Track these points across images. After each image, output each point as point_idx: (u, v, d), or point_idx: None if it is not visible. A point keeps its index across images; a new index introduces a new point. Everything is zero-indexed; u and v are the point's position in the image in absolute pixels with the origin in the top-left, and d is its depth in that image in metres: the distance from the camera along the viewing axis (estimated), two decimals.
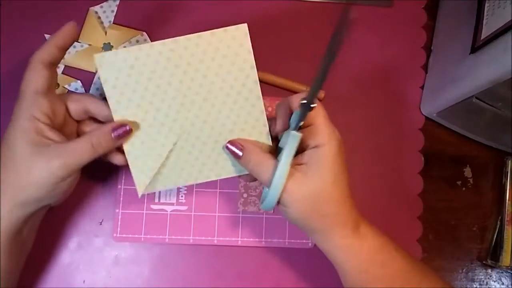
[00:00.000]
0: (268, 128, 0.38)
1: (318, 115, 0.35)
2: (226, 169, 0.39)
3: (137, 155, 0.37)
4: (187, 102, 0.37)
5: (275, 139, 0.38)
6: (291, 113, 0.35)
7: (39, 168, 0.33)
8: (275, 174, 0.33)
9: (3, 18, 0.49)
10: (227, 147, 0.37)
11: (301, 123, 0.34)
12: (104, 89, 0.36)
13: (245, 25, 0.35)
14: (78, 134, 0.39)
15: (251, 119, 0.37)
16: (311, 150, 0.34)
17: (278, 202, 0.35)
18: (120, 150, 0.38)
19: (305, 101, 0.32)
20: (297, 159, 0.35)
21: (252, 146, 0.36)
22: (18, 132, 0.34)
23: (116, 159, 0.39)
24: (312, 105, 0.32)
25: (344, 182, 0.35)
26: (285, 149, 0.33)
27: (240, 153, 0.36)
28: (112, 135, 0.36)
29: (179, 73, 0.36)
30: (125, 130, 0.36)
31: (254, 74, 0.36)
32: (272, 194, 0.34)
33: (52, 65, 0.36)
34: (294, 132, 0.33)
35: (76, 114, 0.38)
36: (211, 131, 0.38)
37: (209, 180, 0.39)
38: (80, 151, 0.35)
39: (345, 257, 0.35)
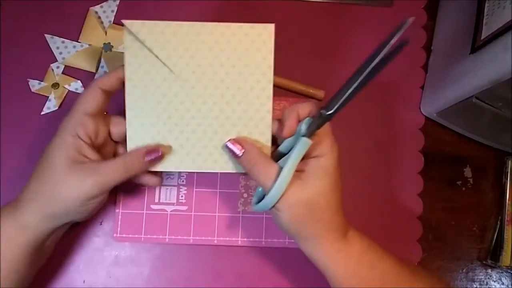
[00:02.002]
0: (271, 130, 0.38)
1: (324, 127, 0.35)
2: (228, 164, 0.39)
3: (138, 119, 0.37)
4: (199, 87, 0.37)
5: (275, 142, 0.38)
6: (299, 120, 0.36)
7: (73, 184, 0.34)
8: (279, 178, 0.33)
9: (3, 18, 0.49)
10: (226, 146, 0.37)
11: (312, 130, 0.34)
12: (125, 54, 0.36)
13: (273, 25, 0.36)
14: (115, 155, 0.40)
15: (256, 117, 0.38)
16: (312, 158, 0.35)
17: (273, 206, 0.35)
18: (150, 172, 0.39)
19: (330, 112, 0.34)
20: (298, 166, 0.35)
21: (252, 147, 0.36)
22: (59, 146, 0.35)
23: (151, 181, 0.40)
24: (331, 116, 0.34)
25: (339, 193, 0.36)
26: (292, 154, 0.34)
27: (239, 153, 0.36)
28: (145, 159, 0.36)
29: (199, 57, 0.36)
30: (158, 156, 0.37)
31: (270, 74, 0.37)
32: (272, 197, 0.34)
33: (109, 93, 0.37)
34: (305, 139, 0.34)
35: (117, 136, 0.39)
36: (214, 121, 0.38)
37: (210, 171, 0.39)
38: (113, 171, 0.35)
39: (336, 262, 0.36)
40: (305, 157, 0.35)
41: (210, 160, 0.38)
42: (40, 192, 0.35)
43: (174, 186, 0.47)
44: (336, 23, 0.52)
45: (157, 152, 0.37)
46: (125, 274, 0.45)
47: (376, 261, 0.36)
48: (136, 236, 0.45)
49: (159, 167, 0.38)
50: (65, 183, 0.34)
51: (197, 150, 0.38)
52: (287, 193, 0.34)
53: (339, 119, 0.50)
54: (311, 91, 0.49)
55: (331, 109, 0.34)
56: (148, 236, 0.45)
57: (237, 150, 0.36)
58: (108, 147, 0.39)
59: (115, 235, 0.45)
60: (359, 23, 0.52)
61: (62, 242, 0.45)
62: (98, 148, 0.37)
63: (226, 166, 0.38)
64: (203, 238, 0.46)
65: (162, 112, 0.37)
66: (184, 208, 0.46)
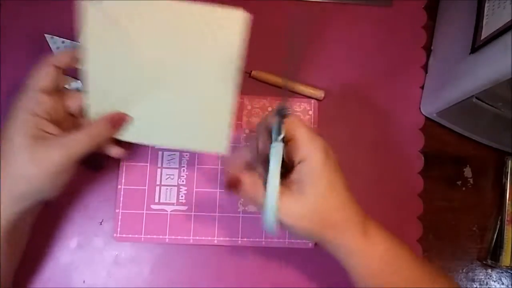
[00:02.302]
0: (232, 116, 0.37)
1: (297, 128, 0.34)
2: (189, 141, 0.39)
3: (96, 90, 0.37)
4: (162, 64, 0.36)
5: (265, 161, 0.36)
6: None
7: (39, 160, 0.34)
8: (267, 192, 0.32)
9: (3, 18, 0.49)
10: (225, 188, 0.36)
11: (281, 135, 0.33)
12: (83, 24, 0.35)
13: (245, 14, 0.34)
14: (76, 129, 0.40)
15: (219, 101, 0.37)
16: (298, 166, 0.34)
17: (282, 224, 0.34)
18: (117, 142, 0.39)
19: (278, 110, 0.32)
20: (289, 178, 0.34)
21: (239, 176, 0.35)
22: (18, 125, 0.35)
23: (113, 152, 0.40)
24: (285, 113, 0.32)
25: (340, 186, 0.34)
26: (270, 164, 0.33)
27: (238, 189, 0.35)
28: (110, 124, 0.37)
29: (163, 33, 0.35)
30: (122, 120, 0.37)
31: (237, 61, 0.36)
32: (269, 213, 0.33)
33: (63, 70, 0.37)
34: (274, 144, 0.33)
35: (74, 110, 0.38)
36: (175, 97, 0.37)
37: (170, 147, 0.39)
38: (78, 142, 0.35)
39: (357, 262, 0.35)
40: (293, 165, 0.34)
41: (170, 136, 0.39)
42: (6, 174, 0.34)
43: (174, 186, 0.47)
44: (336, 23, 0.52)
45: (120, 117, 0.37)
46: (125, 274, 0.45)
47: (399, 268, 0.35)
48: (136, 236, 0.45)
49: (122, 136, 0.38)
50: (31, 161, 0.34)
51: (157, 125, 0.38)
52: (287, 209, 0.33)
53: (339, 118, 0.50)
54: (311, 91, 0.49)
55: (279, 106, 0.32)
56: (148, 236, 0.45)
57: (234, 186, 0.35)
58: (68, 122, 0.39)
59: (115, 235, 0.45)
60: (359, 23, 0.52)
61: (62, 242, 0.45)
62: (58, 123, 0.37)
63: (187, 143, 0.39)
64: (203, 238, 0.46)
65: (121, 85, 0.37)
66: (184, 208, 0.46)
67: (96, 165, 0.46)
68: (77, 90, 0.48)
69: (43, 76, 0.36)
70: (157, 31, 0.35)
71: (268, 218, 0.33)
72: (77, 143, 0.35)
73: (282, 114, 0.32)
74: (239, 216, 0.46)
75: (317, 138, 0.34)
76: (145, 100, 0.38)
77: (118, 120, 0.37)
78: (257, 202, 0.34)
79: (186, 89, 0.37)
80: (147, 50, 0.36)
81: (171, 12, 0.35)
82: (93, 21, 0.35)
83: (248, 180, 0.34)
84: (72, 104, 0.38)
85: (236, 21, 0.35)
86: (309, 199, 0.33)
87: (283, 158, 0.33)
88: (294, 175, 0.34)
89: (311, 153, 0.33)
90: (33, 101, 0.35)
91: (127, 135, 0.39)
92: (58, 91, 0.37)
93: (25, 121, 0.35)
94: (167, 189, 0.47)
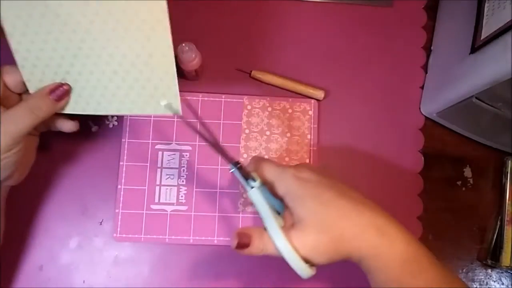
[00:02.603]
0: (173, 69, 0.36)
1: (263, 170, 0.35)
2: (135, 105, 0.37)
3: (29, 61, 0.35)
4: (92, 30, 0.34)
5: None
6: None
7: None
8: (276, 243, 0.32)
9: None
10: (236, 248, 0.33)
11: (255, 182, 0.33)
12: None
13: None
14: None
15: (159, 61, 0.35)
16: (284, 201, 0.34)
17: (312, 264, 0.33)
18: (68, 116, 0.38)
19: (233, 165, 0.34)
20: (289, 220, 0.34)
21: (244, 234, 0.33)
22: None
23: (66, 126, 0.39)
24: (238, 165, 0.34)
25: (329, 198, 0.33)
26: (258, 211, 0.33)
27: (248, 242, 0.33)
28: (51, 96, 0.35)
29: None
30: (64, 90, 0.36)
31: (166, 21, 0.34)
32: (292, 260, 0.32)
33: None
34: (248, 194, 0.34)
35: (14, 86, 0.37)
36: (112, 62, 0.36)
37: (117, 114, 0.38)
38: (19, 117, 0.34)
39: (376, 266, 0.33)
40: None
41: (115, 102, 0.37)
42: None
43: (174, 186, 0.47)
44: (336, 23, 0.52)
45: (61, 88, 0.35)
46: (125, 274, 0.45)
47: (419, 272, 0.33)
48: (136, 236, 0.45)
49: (68, 109, 0.37)
50: None
51: (99, 92, 0.37)
52: (301, 243, 0.32)
53: (339, 119, 0.50)
54: (311, 91, 0.49)
55: (233, 162, 0.34)
56: (148, 236, 0.45)
57: (245, 241, 0.33)
58: (12, 100, 0.37)
59: (115, 235, 0.45)
60: (359, 23, 0.52)
61: (62, 242, 0.45)
62: (3, 103, 0.35)
63: (133, 107, 0.37)
64: (203, 238, 0.46)
65: (53, 54, 0.35)
66: (184, 208, 0.46)
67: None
68: None
69: None
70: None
71: (295, 264, 0.32)
72: (17, 119, 0.34)
73: (237, 167, 0.34)
74: (239, 216, 0.46)
75: (284, 170, 0.34)
76: (83, 68, 0.36)
77: (58, 92, 0.36)
78: (271, 252, 0.33)
79: (120, 48, 0.35)
80: (70, 13, 0.34)
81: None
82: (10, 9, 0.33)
83: (256, 235, 0.33)
84: (8, 80, 0.36)
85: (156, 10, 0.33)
86: (307, 230, 0.32)
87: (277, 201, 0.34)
88: (286, 212, 0.34)
89: (284, 188, 0.33)
90: None
91: (72, 107, 0.37)
92: None
93: None
94: (167, 189, 0.47)
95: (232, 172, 0.34)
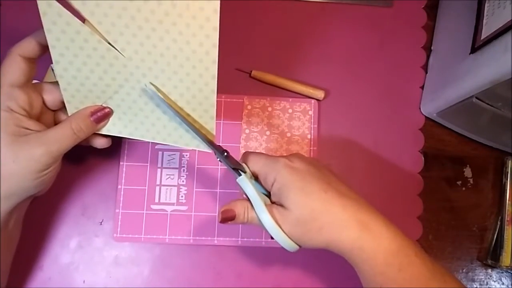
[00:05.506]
0: (215, 108, 0.37)
1: (255, 162, 0.36)
2: (171, 137, 0.38)
3: (72, 85, 0.36)
4: (136, 59, 0.34)
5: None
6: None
7: (22, 157, 0.33)
8: (262, 219, 0.34)
9: (3, 18, 0.49)
10: (221, 221, 0.36)
11: (245, 172, 0.35)
12: (43, 22, 0.33)
13: (217, 1, 0.32)
14: (56, 123, 0.39)
15: (200, 95, 0.36)
16: (272, 189, 0.35)
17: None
18: (101, 134, 0.39)
19: (218, 155, 0.36)
20: (274, 203, 0.35)
21: (235, 206, 0.36)
22: None
23: (99, 143, 0.39)
24: (225, 154, 0.35)
25: (316, 190, 0.34)
26: (247, 195, 0.35)
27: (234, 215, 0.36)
28: (92, 118, 0.36)
29: (135, 27, 0.33)
30: (105, 113, 0.37)
31: (214, 53, 0.34)
32: (276, 236, 0.34)
33: (32, 60, 0.35)
34: (237, 180, 0.35)
35: (52, 104, 0.37)
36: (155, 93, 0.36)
37: (152, 141, 0.39)
38: (62, 137, 0.35)
39: (362, 259, 0.33)
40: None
41: (152, 130, 0.38)
42: None
43: (174, 186, 0.47)
44: (336, 23, 0.52)
45: (102, 110, 0.36)
46: (125, 274, 0.45)
47: (406, 265, 0.33)
48: (136, 236, 0.45)
49: (104, 130, 0.38)
50: (15, 159, 0.33)
51: (139, 119, 0.38)
52: (283, 224, 0.34)
53: (339, 118, 0.50)
54: (311, 91, 0.49)
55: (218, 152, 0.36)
56: (148, 236, 0.45)
57: (230, 215, 0.36)
58: (47, 116, 0.38)
59: (115, 235, 0.45)
60: (359, 23, 0.52)
61: (62, 242, 0.45)
62: (36, 119, 0.36)
63: (169, 138, 0.38)
64: (203, 238, 0.46)
65: (99, 82, 0.36)
66: (184, 208, 0.46)
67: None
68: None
69: (13, 69, 0.34)
70: (128, 23, 0.33)
71: (280, 238, 0.34)
72: (59, 139, 0.35)
73: (224, 156, 0.35)
74: None
75: (276, 159, 0.35)
76: (126, 97, 0.37)
77: (99, 114, 0.37)
78: (255, 223, 0.35)
79: (167, 85, 0.36)
80: (120, 44, 0.34)
81: (144, 6, 0.32)
82: (50, 17, 0.33)
83: (240, 208, 0.35)
84: (48, 98, 0.37)
85: (208, 10, 0.32)
86: (292, 211, 0.33)
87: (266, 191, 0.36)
88: (273, 198, 0.35)
89: (275, 176, 0.34)
90: (6, 97, 0.34)
91: (108, 129, 0.38)
92: (33, 85, 0.36)
93: (2, 118, 0.33)
94: (167, 189, 0.47)
95: (219, 160, 0.36)
